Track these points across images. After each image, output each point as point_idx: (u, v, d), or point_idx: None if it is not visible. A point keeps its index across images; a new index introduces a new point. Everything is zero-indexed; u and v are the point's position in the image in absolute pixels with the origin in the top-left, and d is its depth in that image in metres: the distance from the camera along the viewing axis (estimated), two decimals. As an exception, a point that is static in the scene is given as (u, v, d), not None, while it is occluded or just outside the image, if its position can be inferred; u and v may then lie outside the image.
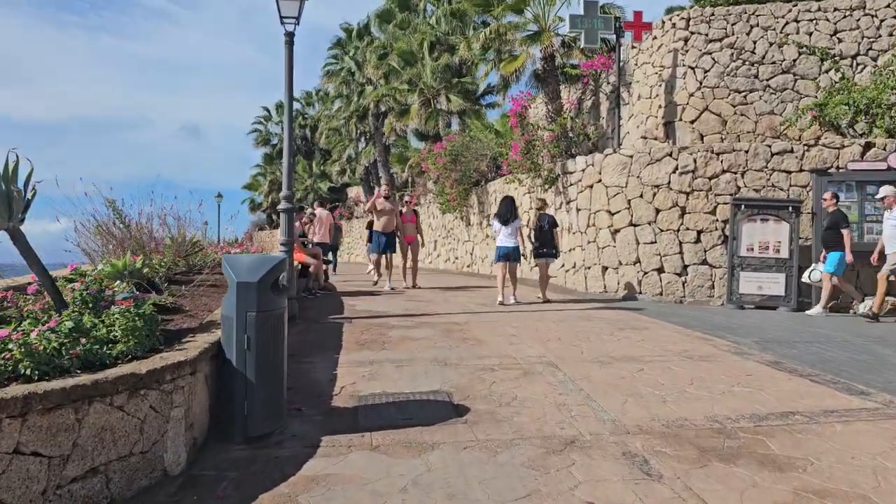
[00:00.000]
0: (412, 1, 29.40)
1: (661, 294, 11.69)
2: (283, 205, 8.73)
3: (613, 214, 12.22)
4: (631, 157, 12.13)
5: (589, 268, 12.59)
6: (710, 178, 11.79)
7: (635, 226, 11.95)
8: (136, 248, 8.01)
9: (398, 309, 9.97)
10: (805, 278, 10.90)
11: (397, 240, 12.86)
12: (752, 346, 7.47)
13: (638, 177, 12.02)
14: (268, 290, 4.44)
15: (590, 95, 17.42)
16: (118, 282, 6.06)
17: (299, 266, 11.38)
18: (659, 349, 7.14)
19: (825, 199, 10.79)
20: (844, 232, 10.33)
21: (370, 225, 20.91)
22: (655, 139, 14.19)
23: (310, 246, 12.36)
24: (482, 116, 23.53)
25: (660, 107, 14.25)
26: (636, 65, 15.44)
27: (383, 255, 12.87)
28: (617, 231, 12.16)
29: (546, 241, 11.40)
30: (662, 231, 11.76)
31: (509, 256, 10.86)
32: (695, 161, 11.81)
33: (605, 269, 12.34)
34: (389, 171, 33.44)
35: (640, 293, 11.76)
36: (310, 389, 5.53)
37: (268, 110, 49.40)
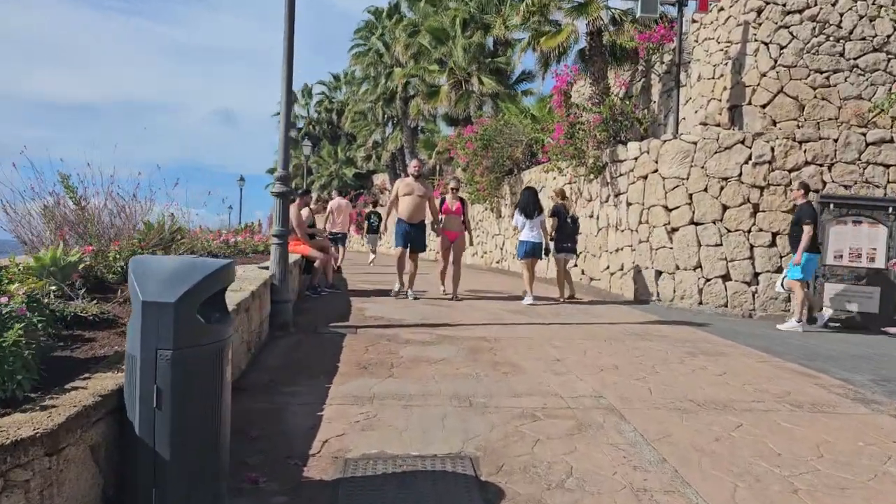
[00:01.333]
0: (446, -23, 27.67)
1: (725, 305, 9.92)
2: (276, 187, 7.17)
3: (671, 210, 10.47)
4: (695, 143, 10.35)
5: (639, 271, 10.86)
6: (789, 171, 9.97)
7: (697, 224, 10.18)
8: (93, 236, 6.51)
9: (415, 316, 8.37)
10: (777, 287, 9.29)
11: (434, 236, 10.35)
12: (873, 387, 5.72)
13: (702, 167, 10.24)
14: (195, 314, 2.82)
15: (640, 77, 15.58)
16: (41, 281, 4.53)
17: (303, 261, 9.83)
18: (751, 389, 5.44)
19: (793, 190, 9.28)
20: (806, 228, 8.66)
21: (369, 216, 18.47)
22: (718, 125, 12.36)
23: (320, 237, 10.81)
24: (517, 100, 21.78)
25: (724, 88, 12.41)
26: (696, 41, 13.58)
27: (406, 253, 9.98)
28: (675, 230, 10.41)
29: (569, 236, 10.48)
30: (730, 232, 9.99)
31: (535, 252, 10.12)
32: (772, 150, 9.99)
33: (658, 273, 10.60)
34: (417, 157, 31.83)
35: (702, 303, 10.01)
36: (279, 443, 3.94)
37: (294, 92, 48.05)
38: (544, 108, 19.17)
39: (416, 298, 9.88)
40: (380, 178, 40.30)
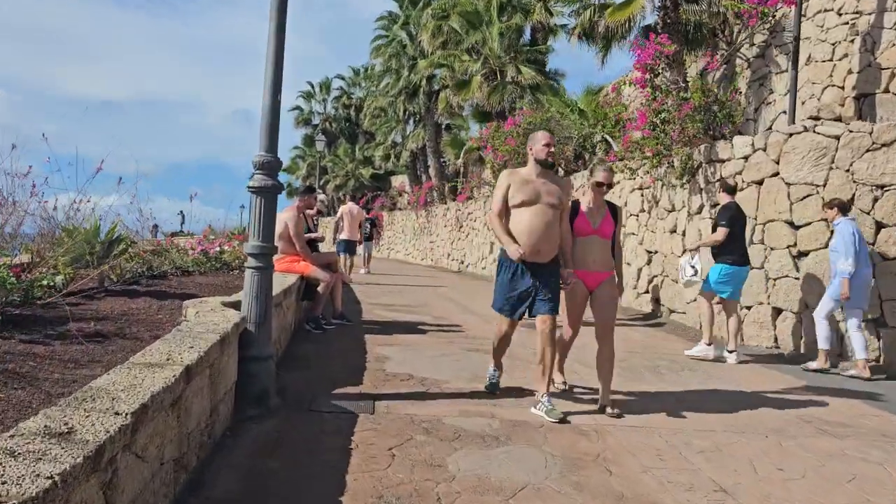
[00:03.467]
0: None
1: (877, 361, 7.21)
2: (256, 179, 4.58)
3: (798, 228, 7.79)
4: (837, 138, 7.65)
5: (749, 307, 8.18)
6: (975, 178, 7.26)
7: (838, 248, 7.47)
8: None
9: (459, 371, 5.74)
10: (681, 278, 7.74)
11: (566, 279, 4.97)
12: None
13: (847, 170, 7.54)
14: None
15: (721, 62, 12.88)
16: None
17: (302, 283, 7.26)
18: None
19: (717, 189, 7.98)
20: (720, 229, 7.16)
21: (338, 227, 15.59)
22: (838, 119, 9.65)
23: (321, 246, 8.24)
24: (561, 93, 19.12)
25: (849, 72, 9.71)
26: (804, 15, 10.87)
27: (515, 323, 5.17)
28: (803, 254, 7.73)
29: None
30: (887, 260, 7.28)
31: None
32: (951, 149, 7.29)
33: (777, 311, 7.92)
34: (440, 157, 29.25)
35: (842, 355, 7.29)
36: None
37: (311, 86, 45.73)
38: (593, 101, 16.53)
39: (550, 411, 4.63)
40: (398, 180, 37.74)
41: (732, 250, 7.11)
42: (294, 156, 47.42)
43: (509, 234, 4.74)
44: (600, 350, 5.11)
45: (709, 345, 7.21)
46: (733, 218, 7.14)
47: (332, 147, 44.82)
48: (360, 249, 21.43)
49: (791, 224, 7.84)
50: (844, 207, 7.05)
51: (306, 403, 4.62)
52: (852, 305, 6.79)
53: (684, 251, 8.59)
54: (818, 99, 10.21)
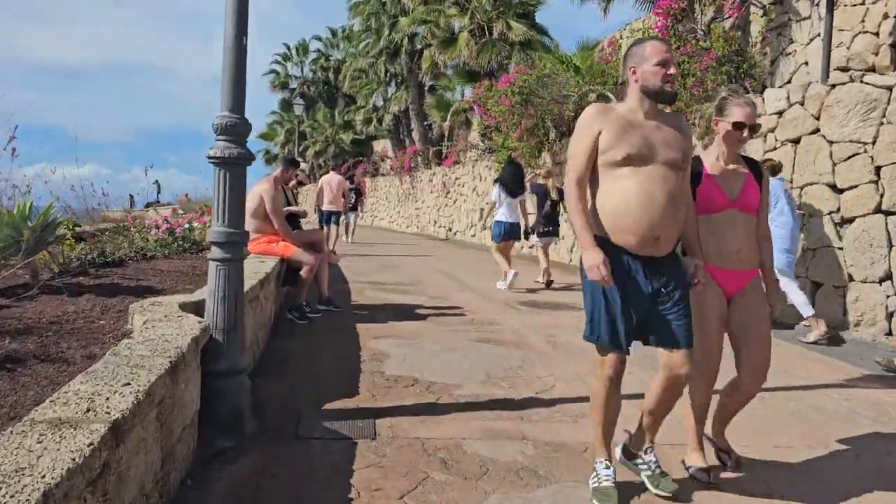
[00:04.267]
0: None
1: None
2: (218, 146, 3.59)
3: (842, 191, 6.92)
4: (889, 88, 6.73)
5: (780, 281, 7.34)
6: None
7: (889, 214, 6.63)
8: None
9: (471, 371, 4.83)
10: None
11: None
12: None
13: (901, 125, 6.65)
14: None
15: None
16: None
17: (282, 266, 6.30)
18: None
19: None
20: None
21: (319, 198, 14.95)
22: (870, 70, 8.74)
23: (303, 222, 7.27)
24: (553, 50, 18.02)
25: (885, 17, 8.75)
26: (829, -45, 9.86)
27: (622, 361, 3.06)
28: (848, 221, 6.87)
29: (551, 219, 9.67)
30: (947, 225, 6.45)
31: (514, 234, 9.18)
32: None
33: (816, 285, 7.09)
34: (424, 120, 28.07)
35: (892, 333, 6.50)
36: None
37: (288, 48, 43.96)
38: (588, 57, 15.46)
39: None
40: (381, 145, 36.48)
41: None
42: (272, 121, 45.83)
43: (592, 222, 2.89)
44: (741, 394, 3.27)
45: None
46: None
47: (310, 112, 43.30)
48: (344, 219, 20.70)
49: (833, 187, 6.97)
50: (775, 168, 6.81)
51: (291, 426, 3.70)
52: (786, 261, 6.60)
53: None
54: (847, 48, 9.26)
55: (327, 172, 15.42)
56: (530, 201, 9.88)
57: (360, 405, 4.07)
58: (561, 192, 10.73)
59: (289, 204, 6.83)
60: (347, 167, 36.15)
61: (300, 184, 7.23)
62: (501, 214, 9.02)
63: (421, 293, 8.57)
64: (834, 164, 6.96)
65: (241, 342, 3.67)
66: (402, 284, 9.35)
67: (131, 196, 49.27)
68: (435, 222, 24.06)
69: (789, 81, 10.10)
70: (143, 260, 6.39)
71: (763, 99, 7.68)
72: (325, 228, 14.72)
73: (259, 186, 6.22)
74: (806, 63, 9.93)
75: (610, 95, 12.67)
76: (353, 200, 19.05)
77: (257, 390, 4.15)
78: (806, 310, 6.54)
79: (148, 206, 48.24)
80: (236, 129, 3.63)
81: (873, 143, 6.73)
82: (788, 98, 7.38)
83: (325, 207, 14.99)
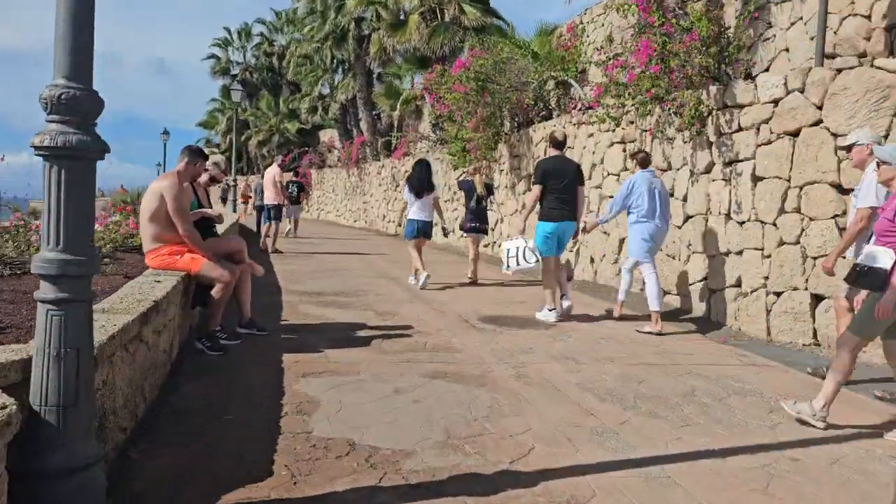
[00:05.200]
0: None
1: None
2: (50, 131, 2.38)
3: (849, 192, 6.04)
4: (906, 73, 5.87)
5: (778, 294, 6.45)
6: None
7: (903, 218, 5.76)
8: None
9: (425, 426, 3.69)
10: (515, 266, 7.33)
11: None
12: None
13: (919, 117, 5.80)
14: None
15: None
16: None
17: (190, 282, 5.08)
18: None
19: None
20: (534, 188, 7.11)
21: (288, 185, 15.14)
22: (863, 55, 7.93)
23: (217, 221, 6.03)
24: (510, 35, 16.98)
25: (877, -2, 7.95)
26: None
27: None
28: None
29: (479, 215, 9.89)
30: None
31: (424, 232, 9.24)
32: None
33: (816, 298, 6.22)
34: (373, 109, 26.77)
35: None
36: None
37: (229, 32, 41.92)
38: (547, 43, 14.47)
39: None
40: (327, 135, 34.98)
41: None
42: (212, 109, 43.72)
43: None
44: None
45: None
46: (546, 174, 6.94)
47: (253, 99, 41.42)
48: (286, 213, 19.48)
49: (839, 187, 6.09)
50: (645, 161, 6.94)
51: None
52: (630, 253, 6.98)
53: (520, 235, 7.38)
54: (835, 32, 8.46)
55: (270, 164, 14.13)
56: (439, 200, 10.07)
57: (271, 496, 2.92)
58: (488, 188, 10.32)
59: (200, 205, 5.58)
60: (292, 158, 34.58)
61: (213, 181, 5.93)
62: (413, 213, 9.11)
63: (366, 307, 7.41)
64: (839, 161, 6.07)
65: (85, 424, 2.48)
66: (344, 295, 8.17)
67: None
68: (384, 217, 22.87)
69: (767, 69, 9.26)
70: (17, 276, 5.06)
71: (755, 85, 6.76)
72: (267, 224, 13.60)
73: (159, 183, 4.97)
74: (787, 50, 9.09)
75: (572, 82, 11.71)
76: (295, 194, 18.09)
77: (130, 473, 2.97)
78: (655, 303, 6.59)
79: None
80: (78, 106, 2.42)
81: (886, 136, 5.86)
82: (786, 84, 6.47)
83: (266, 202, 13.81)
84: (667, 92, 7.32)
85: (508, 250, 7.28)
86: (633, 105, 8.02)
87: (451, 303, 7.86)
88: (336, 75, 29.81)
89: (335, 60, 28.09)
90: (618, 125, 8.59)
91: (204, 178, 5.69)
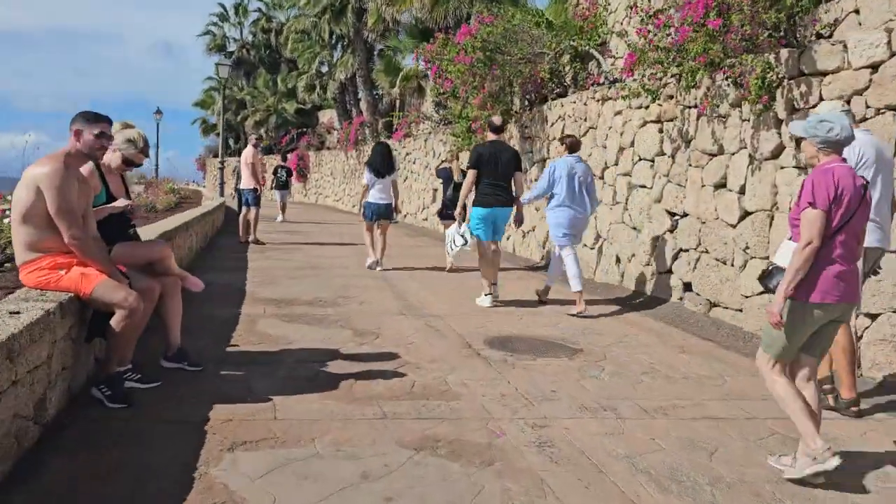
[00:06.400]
0: None
1: None
2: None
3: (979, 185, 4.53)
4: None
5: (873, 316, 4.97)
6: None
7: None
8: None
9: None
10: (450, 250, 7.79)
11: None
12: None
13: None
14: None
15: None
16: None
17: (80, 307, 3.60)
18: None
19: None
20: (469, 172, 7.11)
21: (276, 170, 14.66)
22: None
23: (130, 214, 4.57)
24: (521, 3, 15.38)
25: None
26: None
27: None
28: None
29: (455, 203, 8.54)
30: None
31: (382, 215, 9.13)
32: None
33: (929, 324, 4.73)
34: (373, 88, 25.19)
35: None
36: None
37: (224, 8, 40.21)
38: (563, 12, 12.89)
39: None
40: (327, 116, 33.38)
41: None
42: (208, 87, 42.07)
43: None
44: None
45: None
46: (480, 159, 6.93)
47: (251, 78, 39.80)
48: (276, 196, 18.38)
49: (963, 179, 4.59)
50: (574, 146, 7.02)
51: None
52: (553, 235, 6.99)
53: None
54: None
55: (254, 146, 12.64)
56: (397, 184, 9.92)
57: None
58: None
59: (109, 197, 4.12)
60: (289, 139, 33.05)
61: (129, 164, 4.40)
62: (372, 196, 9.08)
63: (344, 322, 5.97)
64: (965, 144, 4.58)
65: None
66: (321, 304, 6.73)
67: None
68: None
69: (830, 36, 7.70)
70: None
71: (844, 46, 5.25)
72: (245, 209, 12.15)
73: (34, 169, 3.50)
74: (856, 11, 7.51)
75: (596, 53, 10.17)
76: (283, 178, 17.00)
77: None
78: (576, 284, 6.65)
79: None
80: None
81: None
82: (890, 43, 4.96)
83: (241, 186, 12.43)
84: (725, 55, 5.78)
85: (448, 235, 7.53)
86: (677, 74, 6.49)
87: (450, 316, 6.41)
88: (335, 52, 28.19)
89: (333, 35, 26.48)
90: (655, 99, 7.07)
91: (110, 157, 4.19)
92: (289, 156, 24.43)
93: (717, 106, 6.32)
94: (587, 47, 10.09)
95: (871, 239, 3.82)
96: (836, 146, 3.11)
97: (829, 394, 4.13)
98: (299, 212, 22.01)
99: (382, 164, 9.07)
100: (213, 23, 40.49)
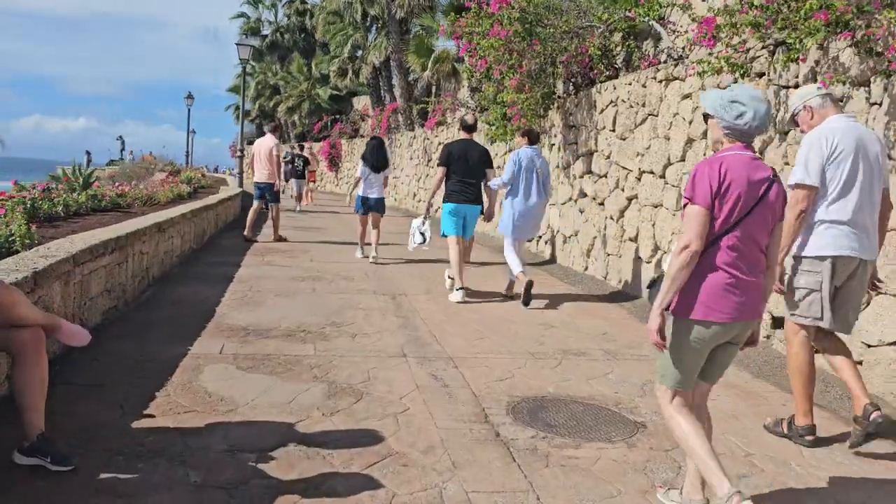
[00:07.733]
0: None
1: None
2: None
3: None
4: None
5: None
6: None
7: None
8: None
9: None
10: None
11: None
12: None
13: None
14: None
15: None
16: None
17: None
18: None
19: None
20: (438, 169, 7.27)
21: (293, 160, 15.01)
22: None
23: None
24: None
25: None
26: None
27: None
28: None
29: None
30: None
31: (376, 208, 9.30)
32: None
33: None
34: (408, 73, 23.67)
35: None
36: None
37: (258, -10, 39.04)
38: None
39: None
40: (361, 102, 32.04)
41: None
42: (240, 72, 41.09)
43: None
44: None
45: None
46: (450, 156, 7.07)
47: (284, 63, 38.68)
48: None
49: None
50: (532, 136, 7.22)
51: None
52: (503, 226, 7.09)
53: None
54: None
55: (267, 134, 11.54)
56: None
57: None
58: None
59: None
60: (322, 126, 31.78)
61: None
62: (365, 189, 9.24)
63: (320, 369, 4.48)
64: None
65: None
66: (300, 337, 5.25)
67: (88, 152, 44.88)
68: (414, 195, 19.99)
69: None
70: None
71: None
72: (256, 204, 11.08)
73: None
74: None
75: (658, 27, 8.46)
76: (300, 167, 16.36)
77: None
78: (517, 268, 6.85)
79: (111, 163, 43.82)
80: None
81: None
82: None
83: (255, 179, 11.22)
84: (860, 10, 4.09)
85: (412, 227, 7.78)
86: (780, 41, 4.80)
87: (465, 359, 4.88)
88: (369, 34, 26.76)
89: (366, 17, 25.01)
90: (744, 76, 5.38)
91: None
92: (304, 144, 23.26)
93: (841, 79, 4.62)
94: (647, 18, 8.37)
95: (841, 246, 3.35)
96: (741, 136, 2.59)
97: (871, 412, 3.30)
98: (326, 203, 20.71)
99: (377, 159, 9.18)
100: (247, 1, 39.40)
